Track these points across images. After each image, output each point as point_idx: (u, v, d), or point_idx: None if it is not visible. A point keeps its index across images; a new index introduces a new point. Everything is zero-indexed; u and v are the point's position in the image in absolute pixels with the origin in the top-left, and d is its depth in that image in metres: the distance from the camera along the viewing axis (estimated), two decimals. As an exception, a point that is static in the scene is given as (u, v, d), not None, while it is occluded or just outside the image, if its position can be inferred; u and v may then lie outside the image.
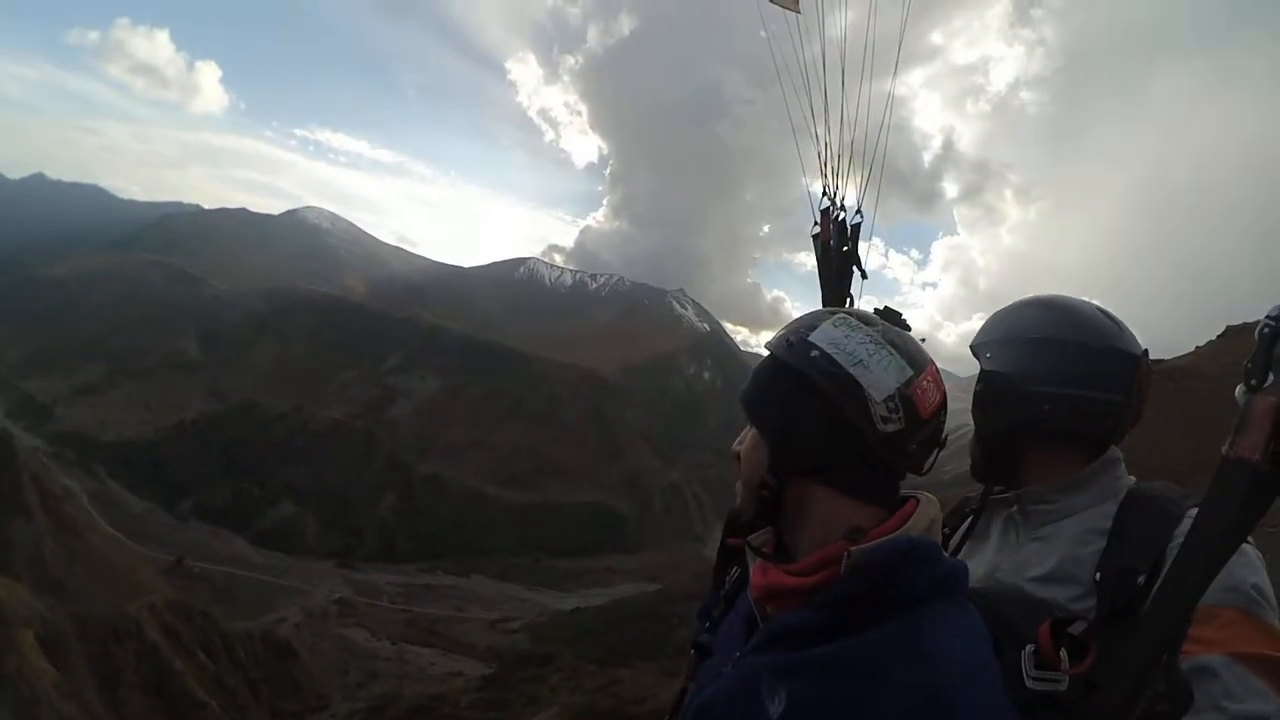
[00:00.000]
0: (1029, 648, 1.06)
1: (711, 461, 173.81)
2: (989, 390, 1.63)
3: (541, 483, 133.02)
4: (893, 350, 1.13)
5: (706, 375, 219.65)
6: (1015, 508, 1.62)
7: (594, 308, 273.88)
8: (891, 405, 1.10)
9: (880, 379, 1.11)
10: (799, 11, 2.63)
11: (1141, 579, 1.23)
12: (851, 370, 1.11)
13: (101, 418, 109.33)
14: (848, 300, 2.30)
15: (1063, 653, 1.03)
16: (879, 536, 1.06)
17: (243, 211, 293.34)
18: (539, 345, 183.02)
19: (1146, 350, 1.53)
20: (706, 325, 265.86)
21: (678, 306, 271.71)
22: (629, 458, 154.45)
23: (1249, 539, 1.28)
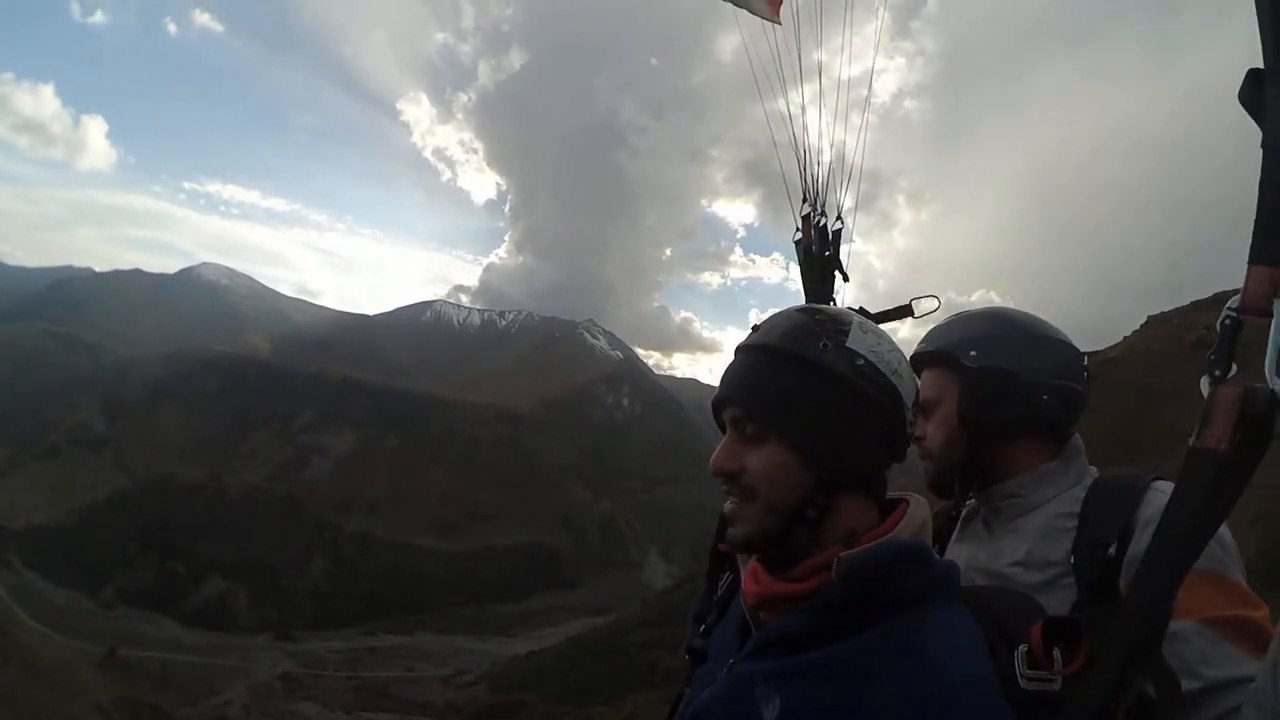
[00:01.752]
0: (1022, 648, 1.06)
1: (641, 488, 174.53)
2: (986, 384, 1.63)
3: (472, 528, 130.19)
4: (907, 359, 1.14)
5: (625, 402, 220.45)
6: (984, 507, 1.68)
7: (505, 345, 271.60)
8: (914, 410, 1.13)
9: (909, 387, 1.12)
10: (779, 23, 2.66)
11: (1112, 550, 1.26)
12: (893, 380, 1.10)
13: (9, 502, 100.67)
14: (831, 305, 2.25)
15: (1055, 652, 1.03)
16: (871, 540, 1.06)
17: (137, 273, 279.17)
18: (453, 388, 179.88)
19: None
20: (619, 353, 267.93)
21: (589, 337, 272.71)
22: (558, 493, 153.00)
23: None
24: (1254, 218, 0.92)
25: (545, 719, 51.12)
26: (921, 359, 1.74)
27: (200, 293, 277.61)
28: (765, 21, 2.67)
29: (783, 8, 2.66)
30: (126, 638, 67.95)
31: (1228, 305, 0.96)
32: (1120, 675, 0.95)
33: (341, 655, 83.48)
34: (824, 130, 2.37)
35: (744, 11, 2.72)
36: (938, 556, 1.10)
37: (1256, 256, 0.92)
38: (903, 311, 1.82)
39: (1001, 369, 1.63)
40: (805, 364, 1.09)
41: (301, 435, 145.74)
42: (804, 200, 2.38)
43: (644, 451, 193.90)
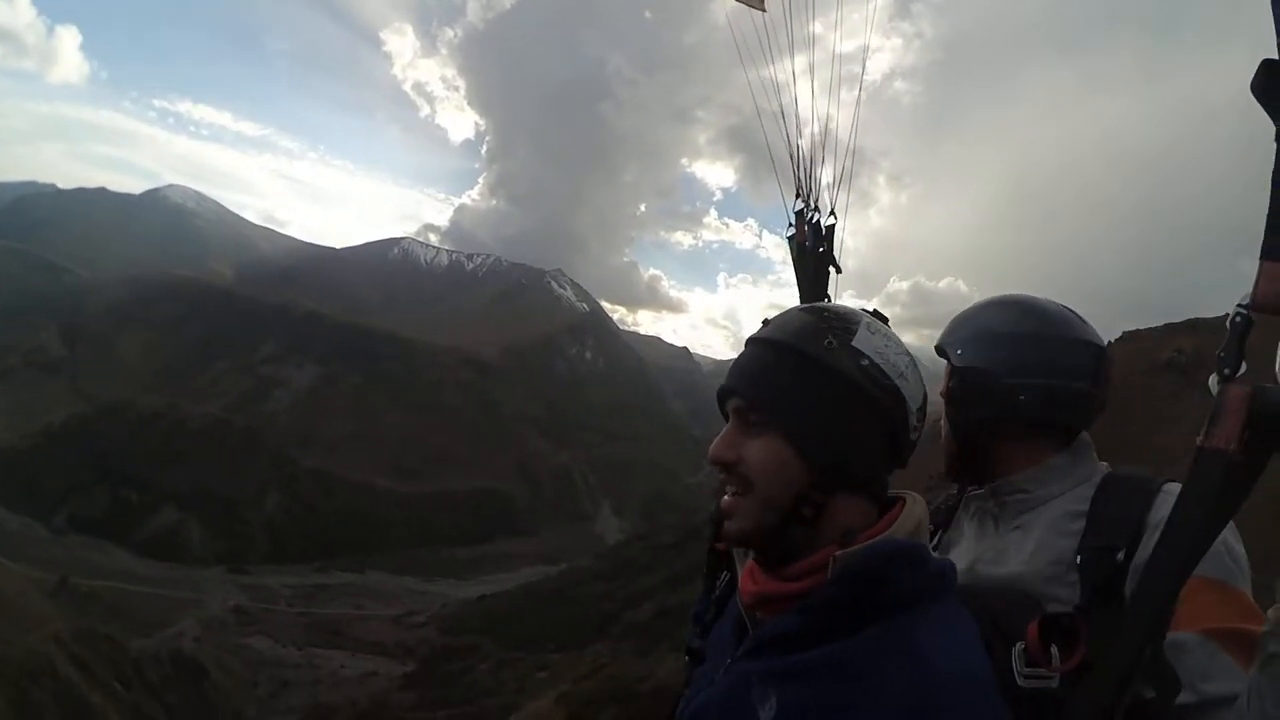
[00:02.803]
0: (1019, 645, 1.06)
1: (598, 442, 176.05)
2: (965, 385, 1.65)
3: (430, 471, 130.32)
4: (915, 363, 1.14)
5: (588, 356, 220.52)
6: (991, 501, 1.66)
7: (472, 288, 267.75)
8: (919, 416, 1.13)
9: (915, 392, 1.12)
10: (764, 10, 2.61)
11: (1120, 555, 1.24)
12: (898, 383, 1.10)
13: None
14: (825, 300, 2.32)
15: (1053, 649, 1.03)
16: (867, 539, 1.05)
17: (102, 192, 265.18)
18: (417, 328, 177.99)
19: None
20: (586, 305, 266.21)
21: (556, 287, 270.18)
22: (516, 441, 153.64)
23: None
24: (1266, 211, 0.89)
25: (499, 664, 52.07)
26: (938, 351, 1.75)
27: (165, 215, 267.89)
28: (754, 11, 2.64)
29: None
30: (78, 566, 66.84)
31: (1238, 302, 0.95)
32: (1122, 676, 0.95)
33: (293, 590, 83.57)
34: (816, 122, 2.40)
35: (733, 5, 2.70)
36: (934, 555, 1.09)
37: (1269, 252, 0.91)
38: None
39: (977, 369, 1.63)
40: (810, 360, 1.10)
41: (263, 367, 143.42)
42: (797, 196, 2.40)
43: (604, 406, 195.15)
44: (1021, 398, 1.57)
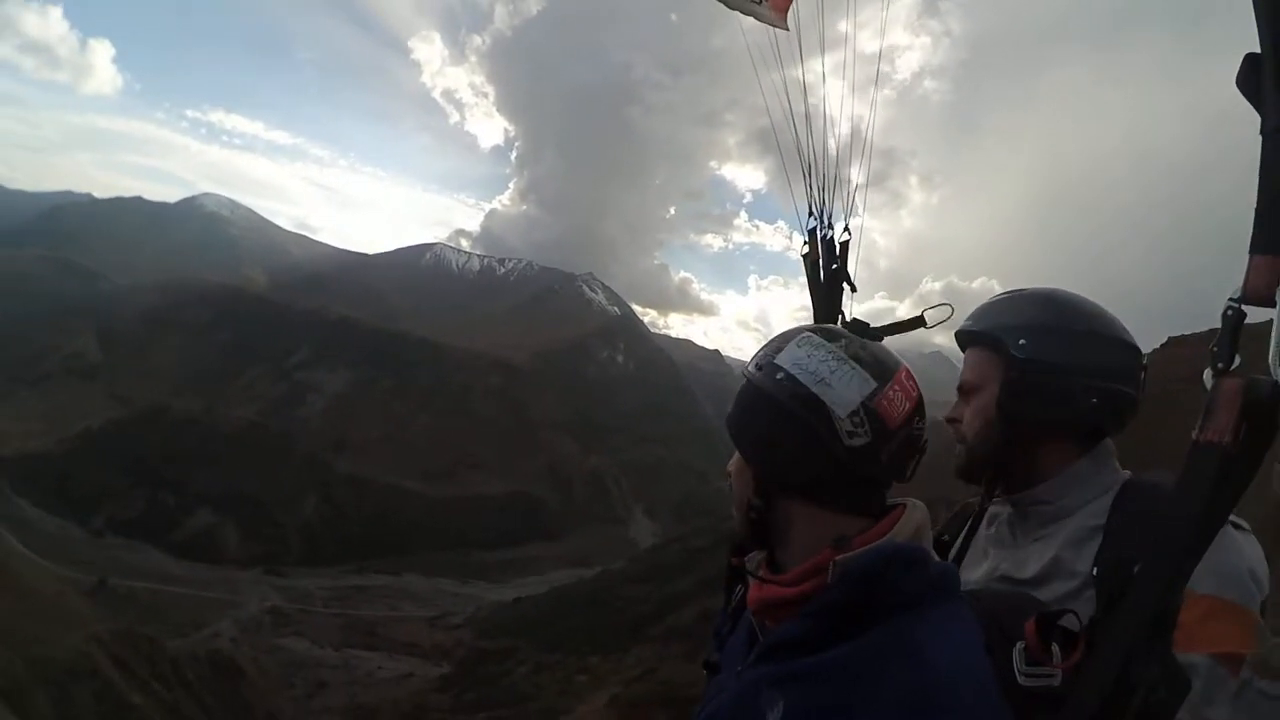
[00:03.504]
0: (1019, 645, 1.07)
1: (629, 445, 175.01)
2: (1029, 378, 1.55)
3: (460, 475, 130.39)
4: (855, 364, 1.14)
5: (619, 359, 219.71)
6: (1011, 510, 1.62)
7: (503, 293, 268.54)
8: (857, 420, 1.12)
9: (843, 395, 1.12)
10: (786, 29, 2.60)
11: (1137, 569, 1.19)
12: (815, 389, 1.13)
13: (1, 430, 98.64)
14: (839, 317, 2.28)
15: (1054, 647, 1.04)
16: (865, 544, 1.09)
17: (137, 200, 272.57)
18: (448, 333, 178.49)
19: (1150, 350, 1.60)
20: (617, 309, 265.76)
21: (588, 290, 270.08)
22: (547, 445, 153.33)
23: (1244, 524, 1.32)
24: (1254, 207, 0.92)
25: (537, 667, 51.40)
26: (967, 337, 1.68)
27: (200, 223, 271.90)
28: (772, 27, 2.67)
29: (789, 14, 2.65)
30: (116, 567, 67.55)
31: (1229, 296, 0.96)
32: (1122, 670, 0.95)
33: (329, 592, 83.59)
34: (829, 139, 2.36)
35: (750, 22, 2.71)
36: (935, 558, 1.12)
37: (1257, 246, 0.92)
38: (915, 322, 1.72)
39: (1051, 364, 1.54)
40: (745, 383, 1.24)
41: (296, 372, 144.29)
42: (810, 214, 2.36)
43: (635, 409, 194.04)
44: (1094, 401, 1.51)
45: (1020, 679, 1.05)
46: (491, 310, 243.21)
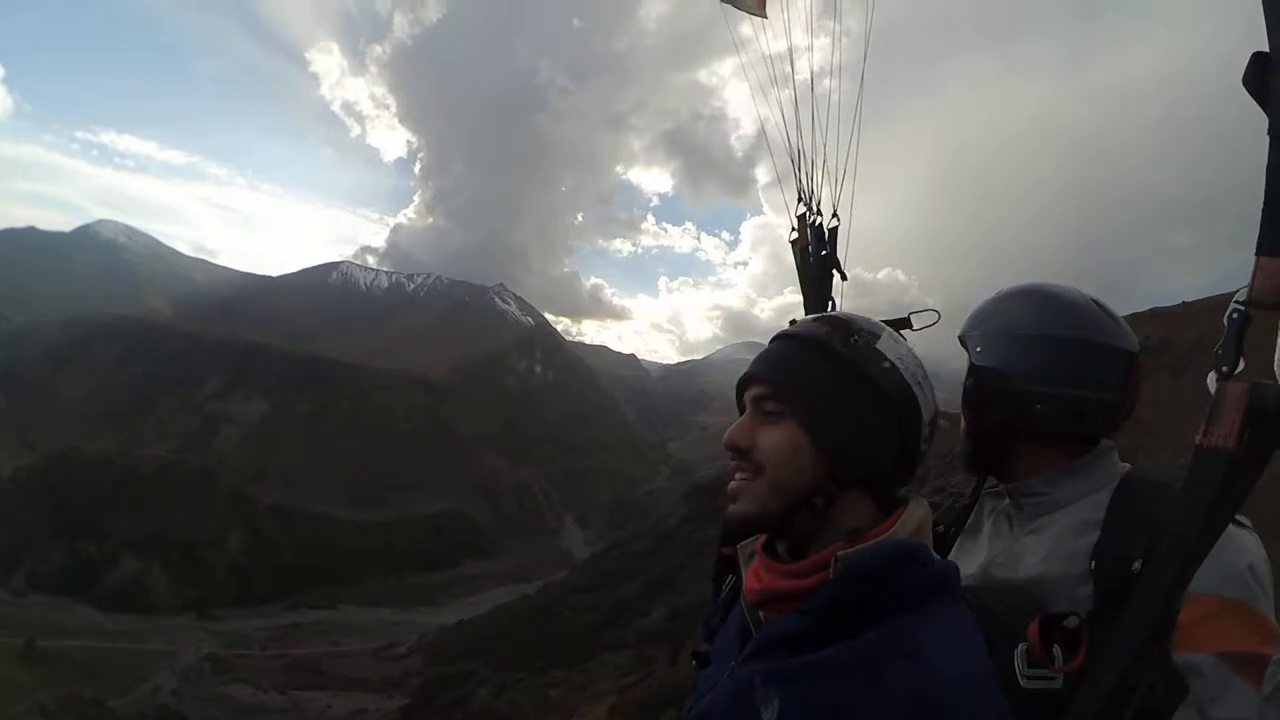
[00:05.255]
0: (1021, 646, 1.05)
1: (555, 455, 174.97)
2: (979, 386, 1.58)
3: (389, 498, 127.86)
4: (929, 378, 1.16)
5: (538, 369, 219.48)
6: (1008, 501, 1.61)
7: (414, 309, 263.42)
8: (931, 428, 1.14)
9: (928, 402, 1.13)
10: (765, 16, 2.64)
11: (1136, 565, 1.16)
12: (914, 390, 1.12)
13: None
14: (829, 304, 2.32)
15: (1056, 650, 1.02)
16: (871, 539, 1.06)
17: (30, 231, 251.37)
18: (362, 353, 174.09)
19: (1142, 345, 1.54)
20: (530, 319, 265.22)
21: (500, 302, 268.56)
22: (473, 461, 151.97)
23: (1245, 521, 1.31)
24: (1261, 207, 0.90)
25: (500, 687, 51.01)
26: (961, 339, 1.67)
27: (97, 253, 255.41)
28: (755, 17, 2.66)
29: (769, 3, 2.64)
30: (43, 627, 62.82)
31: (1235, 298, 0.95)
32: (1124, 675, 0.94)
33: (266, 633, 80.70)
34: (818, 127, 2.38)
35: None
36: (936, 556, 1.10)
37: (1264, 248, 0.91)
38: (902, 323, 1.71)
39: (992, 371, 1.55)
40: (833, 354, 1.13)
41: (210, 404, 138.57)
42: (799, 200, 2.39)
43: (557, 419, 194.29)
44: (1039, 407, 1.48)
45: (1022, 681, 1.03)
46: (404, 327, 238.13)
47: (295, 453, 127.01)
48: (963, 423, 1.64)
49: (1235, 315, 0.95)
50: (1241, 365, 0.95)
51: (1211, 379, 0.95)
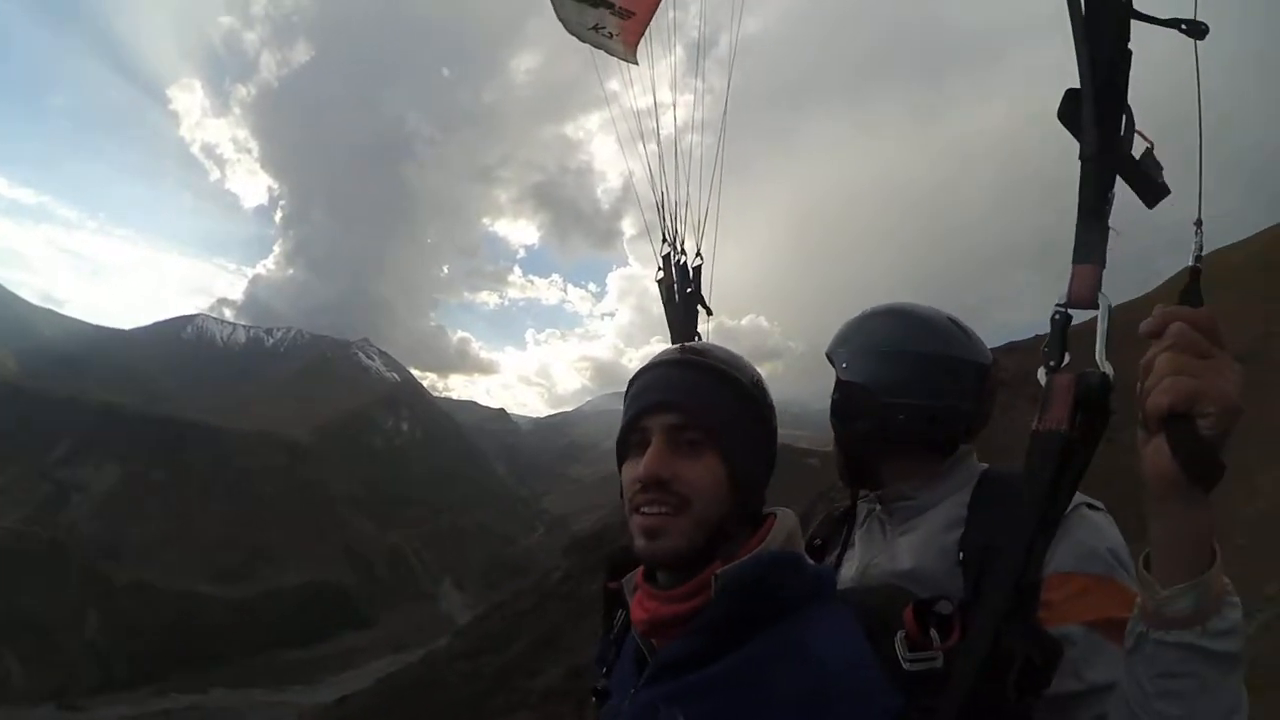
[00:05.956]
0: (900, 633, 1.09)
1: (426, 516, 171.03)
2: (846, 400, 1.70)
3: (254, 570, 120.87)
4: None
5: (404, 427, 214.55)
6: (879, 508, 1.71)
7: (274, 365, 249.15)
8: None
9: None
10: (635, 62, 2.79)
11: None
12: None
13: None
14: (695, 338, 2.40)
15: (932, 632, 1.06)
16: (746, 553, 1.11)
17: None
18: (220, 413, 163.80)
19: (995, 359, 1.69)
20: (396, 375, 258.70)
21: (364, 357, 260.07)
22: (341, 526, 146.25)
23: (1098, 504, 1.43)
24: (1075, 221, 1.01)
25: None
26: (828, 356, 1.79)
27: None
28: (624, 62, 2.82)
29: (639, 51, 2.80)
30: None
31: (1056, 302, 1.04)
32: (993, 643, 0.99)
33: (133, 723, 74.77)
34: (682, 174, 2.46)
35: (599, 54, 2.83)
36: (810, 561, 1.17)
37: (1078, 256, 1.01)
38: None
39: (857, 386, 1.67)
40: (742, 389, 1.19)
41: (59, 470, 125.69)
42: (664, 240, 2.51)
43: (427, 477, 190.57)
44: (901, 417, 1.62)
45: (905, 664, 1.06)
46: (264, 384, 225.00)
47: (152, 523, 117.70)
48: (833, 436, 1.79)
49: (1057, 316, 1.03)
50: (1067, 359, 1.02)
51: (1041, 373, 1.03)
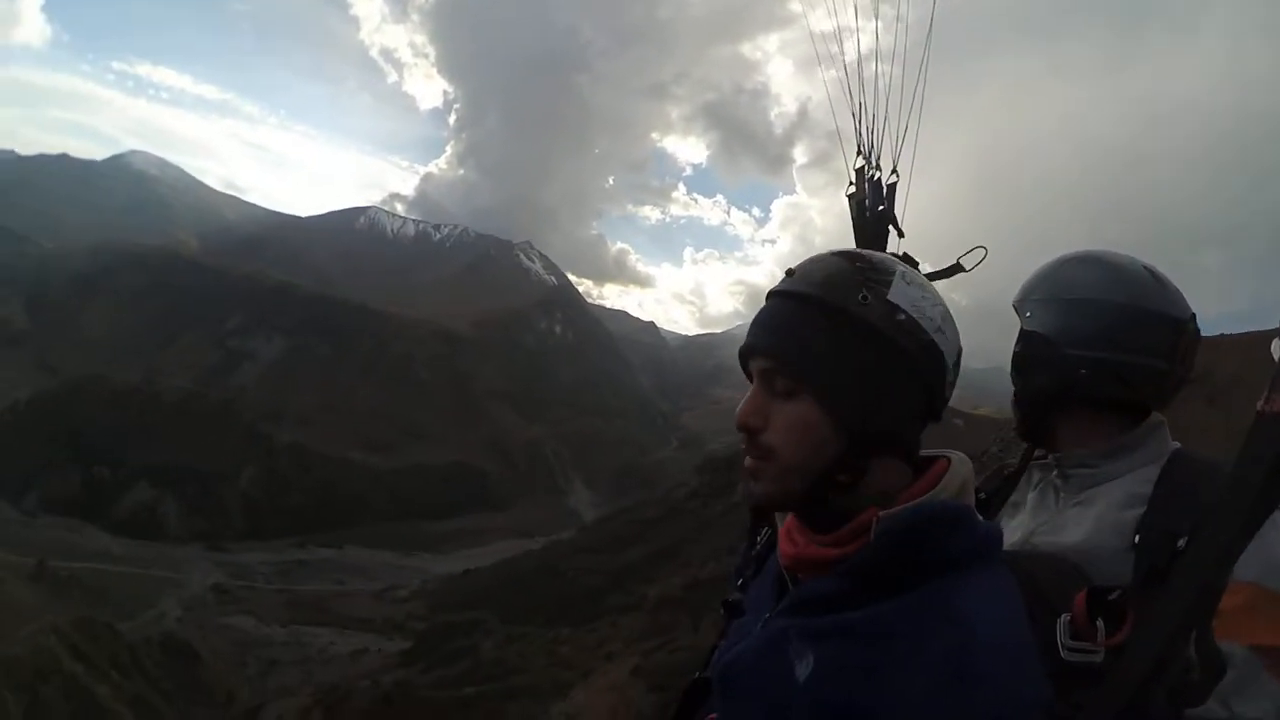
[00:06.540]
0: (1064, 617, 1.01)
1: (568, 416, 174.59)
2: (1027, 351, 1.57)
3: (402, 445, 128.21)
4: (949, 313, 1.06)
5: (558, 330, 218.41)
6: (1055, 472, 1.57)
7: (439, 260, 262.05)
8: (957, 370, 1.06)
9: (952, 345, 1.04)
10: None
11: (1181, 542, 1.09)
12: (935, 338, 1.02)
13: None
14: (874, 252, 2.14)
15: (1099, 623, 0.99)
16: (909, 499, 1.01)
17: (63, 158, 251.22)
18: (384, 300, 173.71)
19: (1194, 315, 1.49)
20: (554, 278, 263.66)
21: (525, 259, 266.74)
22: (487, 415, 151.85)
23: None
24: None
25: (506, 639, 50.80)
26: (1014, 306, 1.67)
27: (128, 183, 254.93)
28: None
29: None
30: (54, 548, 62.92)
31: None
32: (1164, 653, 0.92)
33: (272, 567, 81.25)
34: (882, 77, 2.30)
35: None
36: (980, 518, 1.04)
37: None
38: (953, 270, 1.76)
39: (1039, 336, 1.54)
40: (844, 316, 1.01)
41: (231, 339, 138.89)
42: (858, 153, 2.32)
43: (573, 381, 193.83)
44: (1083, 372, 1.48)
45: (1063, 652, 1.00)
46: (428, 277, 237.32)
47: (312, 394, 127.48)
48: (1013, 390, 1.64)
49: None
50: None
51: (1275, 345, 0.91)
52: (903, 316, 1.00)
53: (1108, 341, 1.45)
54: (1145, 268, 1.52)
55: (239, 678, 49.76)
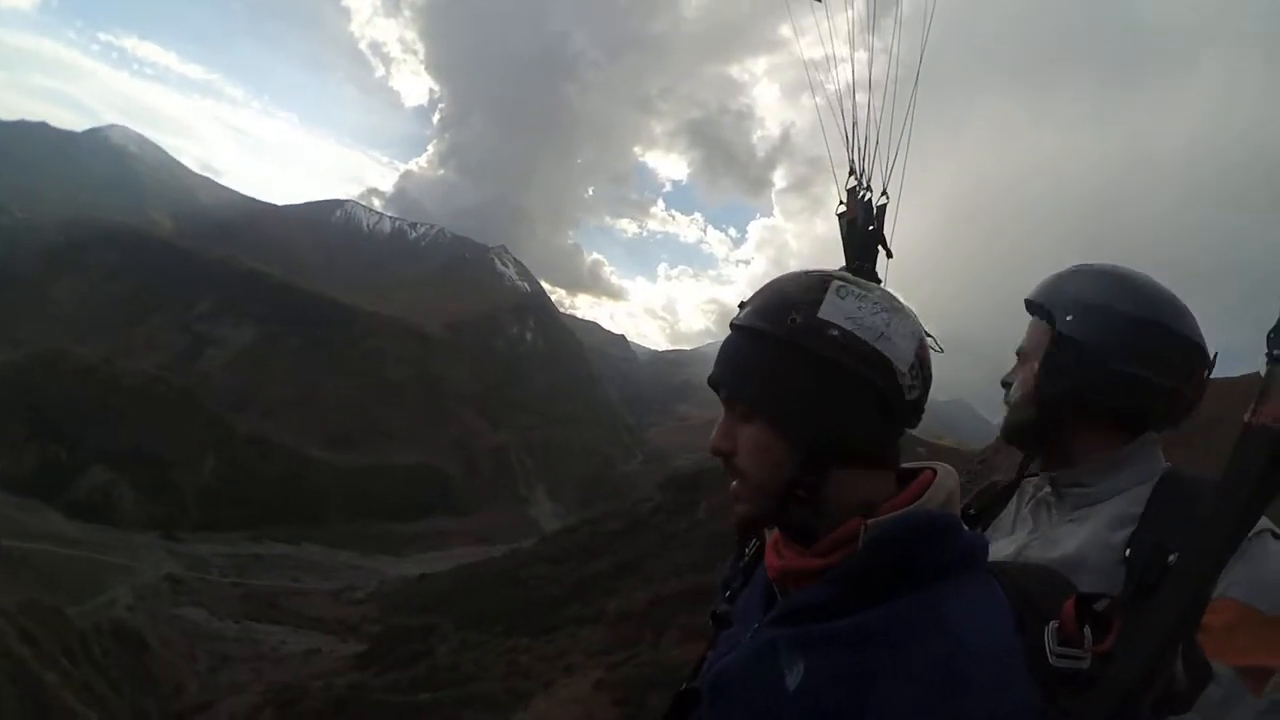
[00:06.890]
0: (1052, 624, 1.04)
1: (535, 424, 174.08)
2: (1062, 354, 1.56)
3: (367, 443, 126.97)
4: (901, 313, 1.07)
5: (529, 336, 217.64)
6: (1049, 489, 1.60)
7: (414, 258, 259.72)
8: (914, 373, 1.06)
9: (901, 348, 1.05)
10: None
11: (1173, 558, 1.11)
12: (878, 345, 1.03)
13: None
14: (877, 281, 2.25)
15: (1086, 630, 1.01)
16: (893, 509, 1.03)
17: (42, 126, 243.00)
18: (357, 295, 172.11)
19: (1215, 354, 1.54)
20: (528, 285, 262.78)
21: (500, 264, 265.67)
22: (455, 418, 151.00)
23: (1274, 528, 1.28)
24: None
25: (461, 646, 50.75)
26: (1029, 305, 1.67)
27: (106, 157, 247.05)
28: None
29: None
30: (6, 527, 61.21)
31: None
32: (1152, 662, 0.94)
33: (227, 560, 79.88)
34: (876, 102, 2.37)
35: None
36: (966, 528, 1.08)
37: None
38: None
39: (1083, 343, 1.53)
40: (776, 342, 1.05)
41: (199, 324, 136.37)
42: (850, 173, 2.38)
43: (542, 389, 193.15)
44: (1107, 382, 1.50)
45: (1051, 659, 1.01)
46: (401, 275, 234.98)
47: (279, 385, 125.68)
48: (1020, 391, 1.65)
49: None
50: None
51: (1264, 362, 0.93)
52: (835, 332, 1.02)
53: (1139, 356, 1.47)
54: (1172, 294, 1.54)
55: (189, 670, 48.99)
